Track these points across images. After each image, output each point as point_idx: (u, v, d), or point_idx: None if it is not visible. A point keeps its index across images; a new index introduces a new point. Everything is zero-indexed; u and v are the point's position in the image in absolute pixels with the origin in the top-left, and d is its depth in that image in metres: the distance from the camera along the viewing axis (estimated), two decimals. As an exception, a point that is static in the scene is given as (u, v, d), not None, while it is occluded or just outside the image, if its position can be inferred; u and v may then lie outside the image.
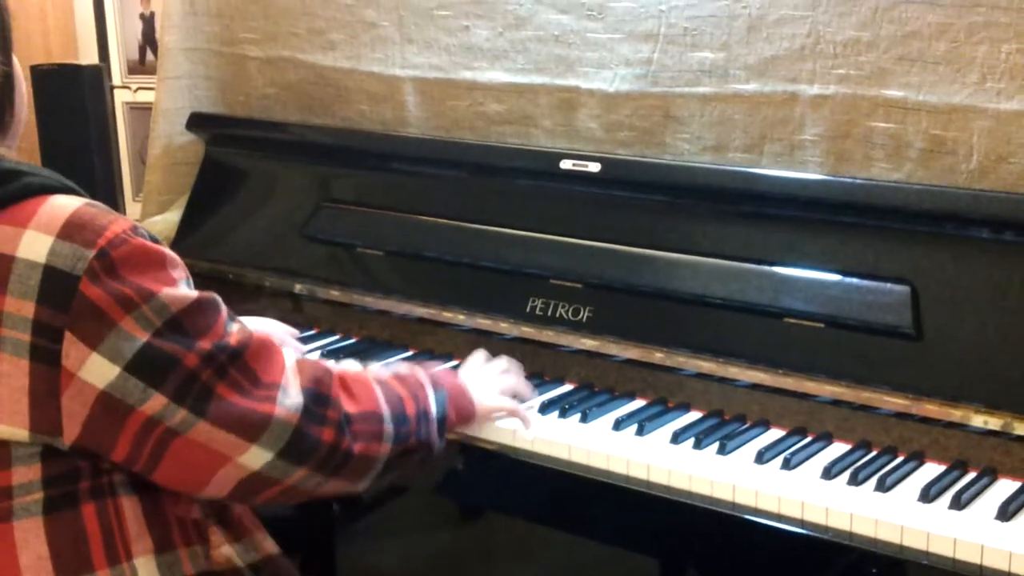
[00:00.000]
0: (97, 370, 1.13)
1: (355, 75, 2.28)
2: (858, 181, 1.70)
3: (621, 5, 1.93)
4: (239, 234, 2.25)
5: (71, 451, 1.16)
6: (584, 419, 1.62)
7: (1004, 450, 1.47)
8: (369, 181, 2.16)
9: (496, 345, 1.83)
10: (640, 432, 1.58)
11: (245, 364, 1.21)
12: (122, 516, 1.21)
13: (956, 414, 1.49)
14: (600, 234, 1.83)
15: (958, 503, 1.37)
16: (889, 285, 1.58)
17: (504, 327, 1.85)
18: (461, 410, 1.50)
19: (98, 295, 1.13)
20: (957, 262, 1.55)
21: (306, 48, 2.33)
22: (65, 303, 1.12)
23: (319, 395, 1.26)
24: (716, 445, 1.53)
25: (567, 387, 1.76)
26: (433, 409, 1.42)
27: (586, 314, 1.78)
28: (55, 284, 1.12)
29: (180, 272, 1.21)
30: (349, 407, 1.29)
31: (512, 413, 1.60)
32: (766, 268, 1.67)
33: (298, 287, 2.11)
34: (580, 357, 1.79)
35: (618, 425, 1.60)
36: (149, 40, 3.01)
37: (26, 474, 1.15)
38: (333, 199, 2.15)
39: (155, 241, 1.20)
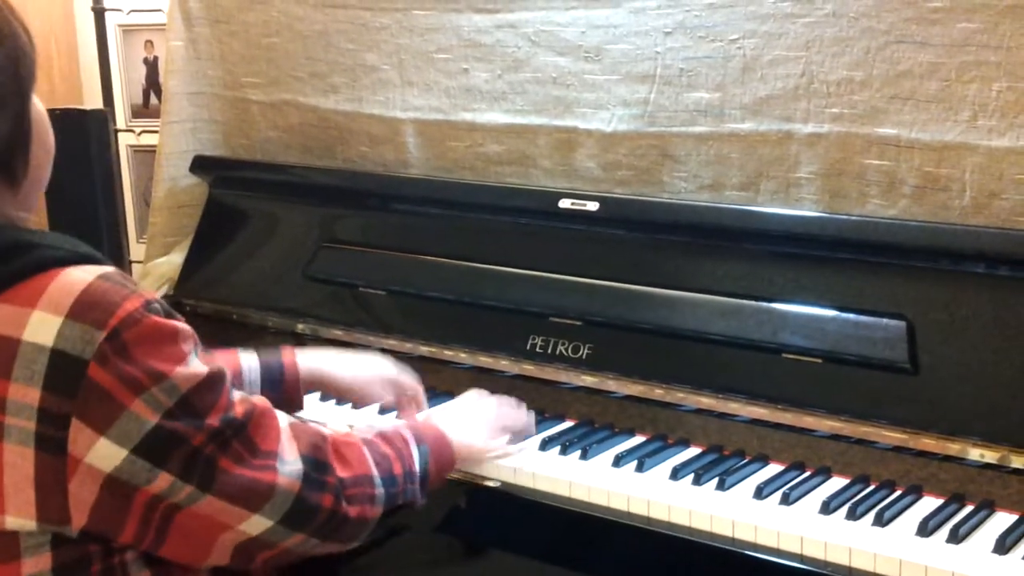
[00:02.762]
0: (104, 454, 1.10)
1: (356, 117, 2.30)
2: (853, 218, 1.72)
3: (618, 47, 1.96)
4: (242, 274, 2.27)
5: (80, 537, 1.13)
6: (585, 456, 1.63)
7: (1001, 483, 1.48)
8: (371, 221, 2.18)
9: (497, 383, 1.85)
10: (640, 468, 1.59)
11: (247, 435, 1.20)
12: None
13: (953, 448, 1.50)
14: (599, 272, 1.85)
15: (956, 537, 1.38)
16: (885, 320, 1.59)
17: (505, 365, 1.87)
18: (442, 465, 1.49)
19: (107, 379, 1.09)
20: (952, 297, 1.57)
21: (308, 91, 2.36)
22: (73, 389, 1.08)
23: (317, 462, 1.26)
24: (716, 481, 1.54)
25: (568, 424, 1.78)
26: (417, 467, 1.42)
27: (586, 351, 1.79)
28: (62, 369, 1.08)
29: (190, 344, 1.17)
30: (343, 472, 1.29)
31: (503, 456, 1.60)
32: (763, 304, 1.69)
33: (300, 327, 2.12)
34: (580, 394, 1.80)
35: (618, 461, 1.61)
36: (153, 84, 3.05)
37: (36, 564, 1.11)
38: (335, 239, 2.17)
39: (168, 313, 1.16)
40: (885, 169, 1.73)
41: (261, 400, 1.25)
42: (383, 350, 2.00)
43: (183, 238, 2.42)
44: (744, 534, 1.44)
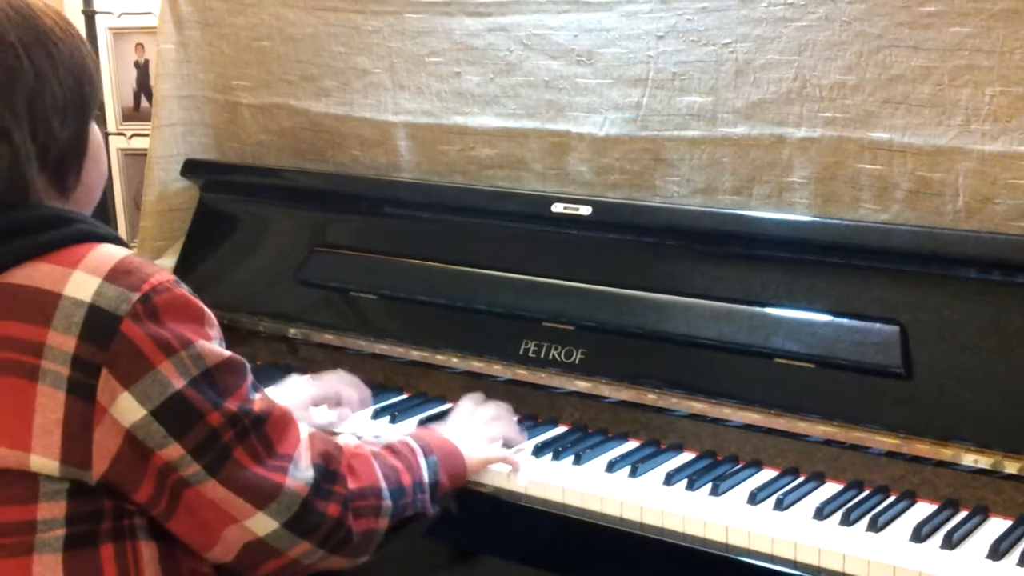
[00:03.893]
0: (125, 408, 1.16)
1: (348, 121, 2.30)
2: (846, 222, 1.72)
3: (610, 51, 1.95)
4: (233, 279, 2.26)
5: (97, 487, 1.18)
6: (578, 461, 1.63)
7: (995, 488, 1.48)
8: (362, 225, 2.17)
9: (490, 387, 1.84)
10: (633, 474, 1.59)
11: (265, 433, 1.24)
12: (139, 560, 1.22)
13: (947, 453, 1.50)
14: (592, 276, 1.85)
15: (949, 542, 1.38)
16: (878, 325, 1.59)
17: (497, 369, 1.86)
18: (453, 474, 1.51)
19: (139, 336, 1.16)
20: (945, 302, 1.57)
21: (299, 95, 2.35)
22: (106, 341, 1.15)
23: (328, 471, 1.29)
24: (709, 486, 1.54)
25: (561, 429, 1.77)
26: (426, 478, 1.44)
27: (579, 356, 1.79)
28: (98, 322, 1.15)
29: (215, 332, 1.25)
30: (352, 484, 1.32)
31: (503, 461, 1.60)
32: (756, 309, 1.69)
33: (292, 331, 2.12)
34: (573, 399, 1.80)
35: (611, 467, 1.61)
36: (143, 88, 3.03)
37: (51, 510, 1.17)
38: (327, 243, 2.16)
39: (193, 294, 1.23)
40: (878, 173, 1.73)
41: (282, 406, 1.29)
42: (375, 355, 2.00)
43: (173, 242, 2.41)
44: (738, 540, 1.44)
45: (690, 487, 1.54)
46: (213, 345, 1.22)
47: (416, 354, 1.95)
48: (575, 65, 2.00)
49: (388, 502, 1.35)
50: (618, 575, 1.57)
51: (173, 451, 1.18)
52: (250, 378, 1.26)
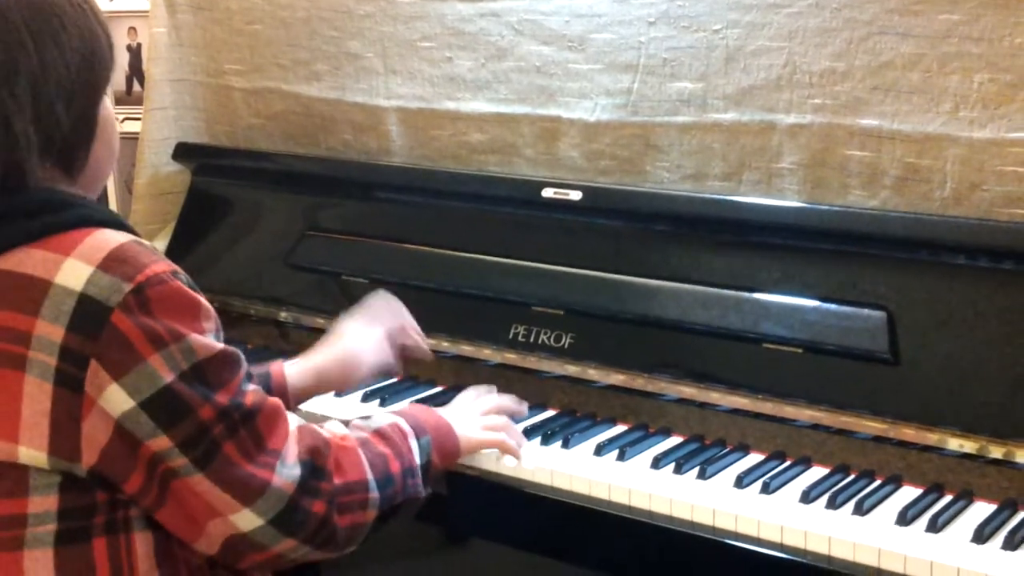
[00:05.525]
0: (115, 399, 1.14)
1: (339, 105, 2.30)
2: (835, 208, 1.73)
3: (601, 36, 1.96)
4: (225, 263, 2.26)
5: (88, 478, 1.16)
6: (566, 445, 1.64)
7: (980, 473, 1.49)
8: (353, 210, 2.18)
9: (479, 371, 1.85)
10: (622, 457, 1.60)
11: (255, 427, 1.22)
12: (133, 553, 1.20)
13: (932, 438, 1.51)
14: (582, 261, 1.85)
15: (935, 526, 1.39)
16: (866, 311, 1.60)
17: (487, 354, 1.87)
18: (445, 453, 1.50)
19: (129, 328, 1.14)
20: (932, 288, 1.58)
21: (291, 79, 2.35)
22: (95, 332, 1.13)
23: (315, 467, 1.27)
24: (696, 470, 1.55)
25: (549, 413, 1.78)
26: (417, 460, 1.42)
27: (568, 341, 1.80)
28: (88, 312, 1.13)
29: (211, 324, 1.22)
30: (339, 479, 1.30)
31: (499, 446, 1.59)
32: (745, 294, 1.70)
33: (283, 315, 2.12)
34: (562, 383, 1.81)
35: (600, 450, 1.61)
36: (136, 71, 3.03)
37: (42, 504, 1.15)
38: (318, 228, 2.17)
39: (193, 289, 1.21)
40: (867, 160, 1.73)
41: (273, 399, 1.27)
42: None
43: (165, 225, 2.42)
44: (724, 523, 1.45)
45: (678, 471, 1.55)
46: (206, 338, 1.19)
47: (406, 338, 1.96)
48: (566, 51, 2.00)
49: (375, 494, 1.33)
50: (606, 558, 1.58)
51: (162, 442, 1.16)
52: (243, 370, 1.23)
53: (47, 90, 1.20)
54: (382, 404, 1.80)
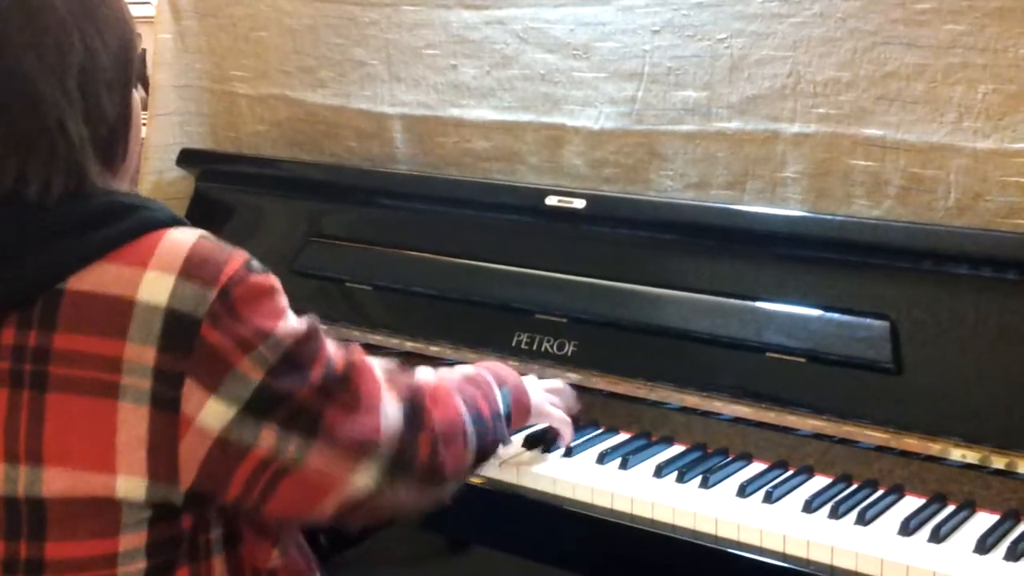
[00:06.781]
0: (214, 412, 1.10)
1: (344, 112, 2.30)
2: (838, 218, 1.73)
3: (606, 45, 1.96)
4: (228, 269, 2.26)
5: (183, 501, 1.12)
6: (569, 453, 1.64)
7: (983, 483, 1.49)
8: (357, 217, 2.18)
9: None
10: (624, 466, 1.60)
11: (351, 386, 1.19)
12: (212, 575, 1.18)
13: (935, 448, 1.51)
14: (585, 269, 1.85)
15: (937, 536, 1.38)
16: (869, 320, 1.60)
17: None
18: (520, 408, 1.53)
19: (217, 338, 1.10)
20: (935, 298, 1.58)
21: (296, 86, 2.36)
22: (187, 347, 1.09)
23: (415, 407, 1.25)
24: (699, 479, 1.55)
25: (552, 421, 1.78)
26: (501, 407, 1.45)
27: (571, 348, 1.80)
28: (177, 328, 1.09)
29: (284, 298, 1.18)
30: (439, 415, 1.29)
31: (562, 424, 1.64)
32: (748, 303, 1.70)
33: (287, 321, 2.12)
34: (565, 391, 1.81)
35: (602, 459, 1.62)
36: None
37: (132, 541, 1.11)
38: (322, 234, 2.17)
39: (263, 269, 1.17)
40: (871, 170, 1.74)
41: (357, 349, 1.25)
42: (369, 345, 2.00)
43: (169, 231, 2.41)
44: (727, 532, 1.45)
45: (680, 479, 1.55)
46: (289, 322, 1.15)
47: (410, 345, 1.96)
48: (571, 59, 2.01)
49: (472, 436, 1.33)
50: (607, 567, 1.58)
51: (268, 439, 1.12)
52: (321, 333, 1.20)
53: (95, 83, 1.16)
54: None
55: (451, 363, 1.90)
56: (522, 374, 1.81)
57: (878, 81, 1.71)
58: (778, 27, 1.78)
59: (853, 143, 1.75)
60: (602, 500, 1.54)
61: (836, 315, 1.63)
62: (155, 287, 1.09)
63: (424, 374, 1.38)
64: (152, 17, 2.51)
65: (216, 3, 2.40)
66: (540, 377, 1.81)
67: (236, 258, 1.14)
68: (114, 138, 1.21)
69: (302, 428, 1.14)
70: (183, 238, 1.13)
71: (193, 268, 1.10)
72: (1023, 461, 1.46)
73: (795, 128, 1.79)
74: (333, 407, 1.17)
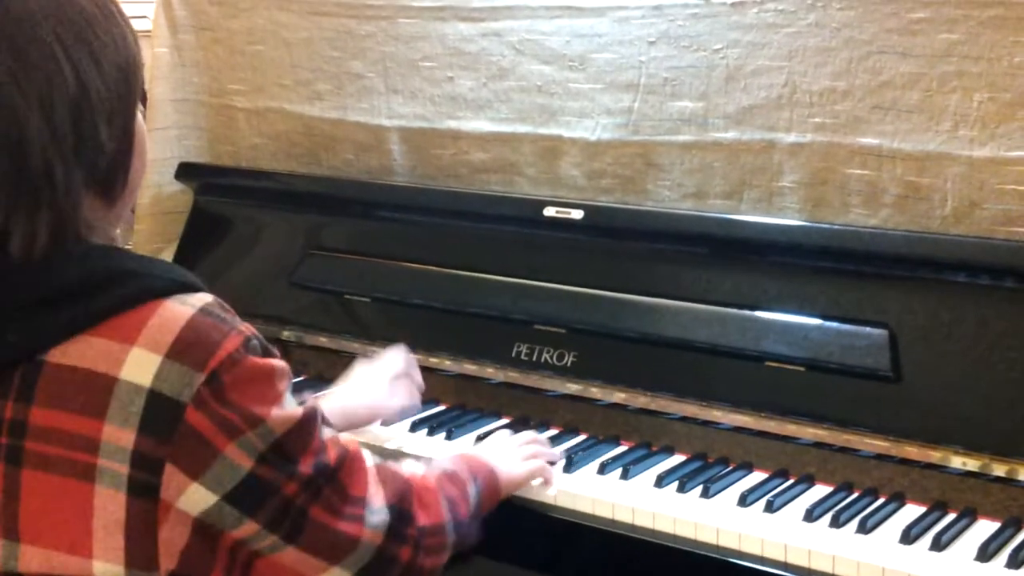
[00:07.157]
0: (195, 499, 1.05)
1: (341, 125, 2.31)
2: (835, 227, 1.73)
3: (602, 56, 1.97)
4: (227, 282, 2.26)
5: None
6: (569, 464, 1.64)
7: (983, 491, 1.50)
8: (356, 229, 2.18)
9: (482, 390, 1.86)
10: (625, 476, 1.60)
11: (338, 481, 1.15)
12: None
13: (935, 456, 1.52)
14: (584, 280, 1.86)
15: (938, 544, 1.39)
16: (867, 329, 1.60)
17: (490, 372, 1.87)
18: (492, 497, 1.46)
19: (203, 423, 1.04)
20: (934, 306, 1.58)
21: (293, 99, 2.36)
22: (169, 432, 1.03)
23: (402, 512, 1.22)
24: (700, 488, 1.55)
25: (552, 432, 1.78)
26: (474, 506, 1.39)
27: (571, 359, 1.80)
28: (159, 411, 1.03)
29: (285, 383, 1.11)
30: (423, 521, 1.26)
31: (540, 474, 1.58)
32: (747, 312, 1.70)
33: (286, 334, 2.12)
34: (565, 401, 1.81)
35: (603, 469, 1.62)
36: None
37: None
38: (321, 247, 2.17)
39: (265, 349, 1.11)
40: (867, 179, 1.74)
41: (351, 441, 1.21)
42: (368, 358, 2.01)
43: (168, 245, 2.42)
44: (728, 542, 1.45)
45: (681, 489, 1.56)
46: (283, 409, 1.09)
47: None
48: (567, 70, 2.01)
49: (452, 536, 1.30)
50: (610, 577, 1.59)
51: (248, 528, 1.08)
52: (319, 423, 1.14)
53: (90, 116, 1.08)
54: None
55: (450, 375, 1.90)
56: (523, 385, 1.82)
57: (874, 90, 1.72)
58: (774, 37, 1.79)
59: (849, 152, 1.75)
60: (603, 511, 1.54)
61: (835, 324, 1.63)
62: (139, 366, 1.03)
63: (413, 467, 1.34)
64: (149, 31, 2.51)
65: (213, 17, 2.41)
66: (539, 389, 1.82)
67: (234, 338, 1.07)
68: (114, 172, 1.13)
69: (285, 528, 1.11)
70: (178, 313, 1.06)
71: (183, 348, 1.04)
72: None
73: (791, 138, 1.80)
74: (318, 505, 1.13)
